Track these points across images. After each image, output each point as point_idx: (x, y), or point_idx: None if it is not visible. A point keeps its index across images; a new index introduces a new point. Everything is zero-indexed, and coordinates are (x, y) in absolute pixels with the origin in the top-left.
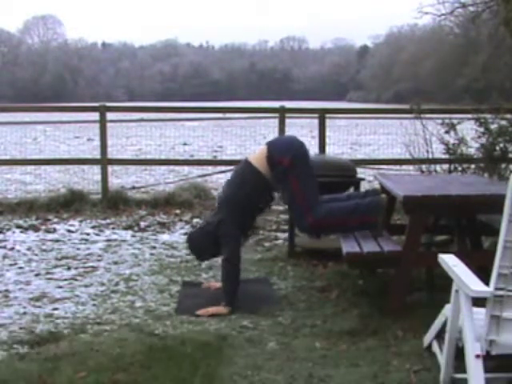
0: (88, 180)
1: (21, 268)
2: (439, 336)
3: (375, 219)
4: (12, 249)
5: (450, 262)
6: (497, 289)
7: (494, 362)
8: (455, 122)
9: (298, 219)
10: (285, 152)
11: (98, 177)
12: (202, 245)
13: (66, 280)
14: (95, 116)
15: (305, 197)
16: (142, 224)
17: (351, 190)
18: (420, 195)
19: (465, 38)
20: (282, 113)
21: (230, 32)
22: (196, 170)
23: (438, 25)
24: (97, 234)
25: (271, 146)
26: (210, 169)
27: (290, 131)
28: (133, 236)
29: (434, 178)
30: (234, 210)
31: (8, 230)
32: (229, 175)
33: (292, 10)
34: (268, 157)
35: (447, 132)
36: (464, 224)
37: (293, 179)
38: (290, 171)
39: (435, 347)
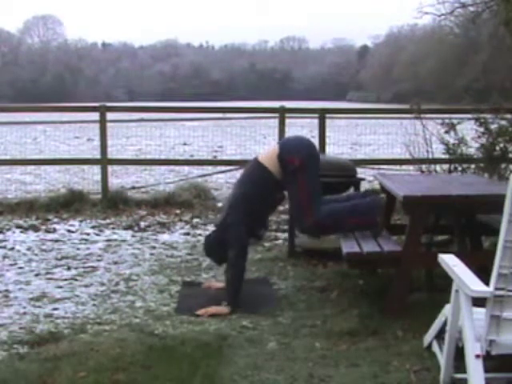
0: (88, 180)
1: (21, 268)
2: (439, 336)
3: (375, 219)
4: (12, 249)
5: (450, 262)
6: (497, 289)
7: (493, 362)
8: (455, 122)
9: (298, 218)
10: (296, 152)
11: (98, 177)
12: (216, 248)
13: (65, 280)
14: (95, 116)
15: (309, 197)
16: (142, 224)
17: (351, 190)
18: (420, 195)
19: (465, 38)
20: (282, 113)
21: (229, 32)
22: (196, 170)
23: (438, 25)
24: (97, 234)
25: (283, 145)
26: (210, 169)
27: (289, 131)
28: (133, 236)
29: (434, 178)
30: (245, 210)
31: (8, 230)
32: (229, 175)
33: (292, 9)
34: (279, 156)
35: (447, 132)
36: (464, 224)
37: (301, 179)
38: (299, 171)
39: (435, 347)
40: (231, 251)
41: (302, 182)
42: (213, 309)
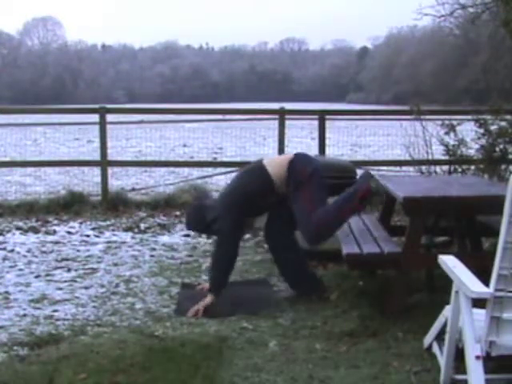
0: (88, 182)
1: (21, 270)
2: (439, 337)
3: (366, 188)
4: (12, 251)
5: (450, 263)
6: (497, 290)
7: (494, 363)
8: (455, 123)
9: (303, 224)
10: (308, 163)
11: (98, 178)
12: (197, 218)
13: (65, 282)
14: (95, 118)
15: (313, 207)
16: (142, 226)
17: None
18: (420, 196)
19: (464, 39)
20: (282, 114)
21: (229, 34)
22: (196, 172)
23: (438, 26)
24: (97, 236)
25: (299, 154)
26: (209, 170)
27: (289, 132)
28: (133, 238)
29: (433, 179)
30: (232, 205)
31: (8, 231)
32: (228, 177)
33: (292, 11)
34: (291, 162)
35: (447, 133)
36: (464, 225)
37: (306, 190)
38: (306, 183)
39: (435, 348)
40: (217, 241)
41: (307, 192)
42: (200, 304)
